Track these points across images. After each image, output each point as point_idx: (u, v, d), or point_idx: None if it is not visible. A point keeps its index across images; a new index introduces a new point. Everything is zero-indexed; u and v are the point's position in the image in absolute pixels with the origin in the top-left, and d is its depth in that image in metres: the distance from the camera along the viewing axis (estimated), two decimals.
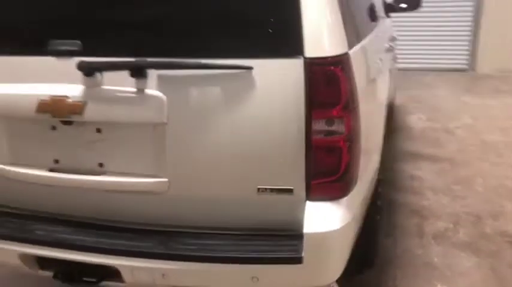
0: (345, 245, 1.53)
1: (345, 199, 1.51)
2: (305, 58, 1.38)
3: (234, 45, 1.41)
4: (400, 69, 8.17)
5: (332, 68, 1.39)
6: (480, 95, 6.57)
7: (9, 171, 1.69)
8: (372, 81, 1.87)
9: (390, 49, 2.98)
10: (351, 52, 1.49)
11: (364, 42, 1.80)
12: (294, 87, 1.39)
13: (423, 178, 3.79)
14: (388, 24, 3.76)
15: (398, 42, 8.17)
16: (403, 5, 4.40)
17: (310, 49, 1.37)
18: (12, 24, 1.63)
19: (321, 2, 1.41)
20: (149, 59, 1.41)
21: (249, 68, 1.39)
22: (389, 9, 4.27)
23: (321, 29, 1.40)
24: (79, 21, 1.54)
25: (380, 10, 3.33)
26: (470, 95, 6.62)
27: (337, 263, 1.52)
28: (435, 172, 3.90)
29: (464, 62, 8.49)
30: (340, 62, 1.41)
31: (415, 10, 4.43)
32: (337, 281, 1.73)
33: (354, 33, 1.65)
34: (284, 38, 1.38)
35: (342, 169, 1.47)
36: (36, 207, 1.71)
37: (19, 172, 1.67)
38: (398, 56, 8.33)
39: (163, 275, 1.51)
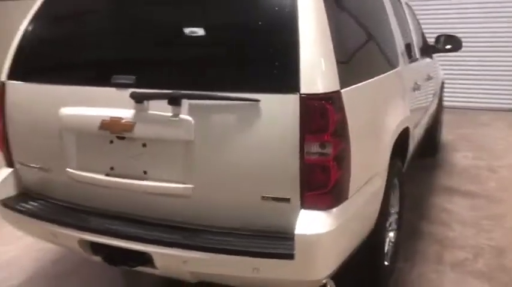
0: (333, 247, 1.85)
1: (334, 209, 1.83)
2: (300, 94, 1.75)
3: (245, 82, 1.82)
4: (457, 108, 8.25)
5: (322, 102, 1.75)
6: None
7: (76, 174, 2.17)
8: (376, 111, 2.20)
9: (416, 87, 3.26)
10: (343, 90, 1.84)
11: (368, 81, 2.15)
12: (292, 117, 1.76)
13: (455, 211, 3.93)
14: (424, 65, 4.02)
15: (456, 81, 8.30)
16: (448, 46, 4.67)
17: (304, 87, 1.75)
18: (87, 64, 2.16)
19: (317, 51, 1.78)
20: (182, 92, 1.85)
21: (257, 101, 1.78)
22: (431, 50, 4.56)
23: (315, 72, 1.77)
24: (133, 63, 2.03)
25: (413, 53, 3.65)
26: None
27: (326, 261, 1.83)
28: (468, 207, 4.02)
29: None
30: (330, 98, 1.76)
31: (458, 51, 4.68)
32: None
33: (352, 75, 2.00)
34: (285, 78, 1.77)
35: (331, 184, 1.80)
36: (93, 204, 2.18)
37: (83, 175, 2.15)
38: (457, 95, 8.42)
39: (184, 262, 1.90)
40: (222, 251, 1.84)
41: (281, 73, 1.78)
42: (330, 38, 1.84)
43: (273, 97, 1.78)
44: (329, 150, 1.77)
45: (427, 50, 4.58)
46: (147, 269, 2.06)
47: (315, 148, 1.76)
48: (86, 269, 3.02)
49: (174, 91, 1.87)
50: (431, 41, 4.68)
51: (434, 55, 4.93)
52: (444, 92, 6.06)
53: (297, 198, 1.81)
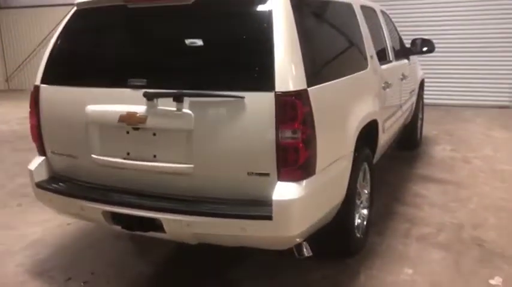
0: (303, 210, 2.35)
1: (303, 181, 2.35)
2: (276, 92, 2.27)
3: (233, 83, 2.35)
4: (443, 105, 8.73)
5: (292, 98, 2.27)
6: (510, 130, 7.00)
7: (99, 159, 2.69)
8: (340, 106, 2.72)
9: (387, 86, 3.78)
10: (310, 89, 2.36)
11: (333, 81, 2.67)
12: (269, 110, 2.28)
13: (427, 195, 4.44)
14: (399, 66, 4.53)
15: (441, 80, 8.78)
16: (424, 49, 5.21)
17: (279, 86, 2.27)
18: (107, 70, 2.70)
19: (288, 58, 2.30)
20: (184, 91, 2.37)
21: (242, 97, 2.30)
22: (408, 52, 5.08)
23: (286, 74, 2.29)
24: (145, 68, 2.57)
25: (387, 56, 4.17)
26: (502, 130, 7.07)
27: (297, 221, 2.35)
28: (439, 192, 4.53)
29: (507, 99, 8.88)
30: (299, 95, 2.28)
31: (432, 52, 5.21)
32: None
33: (318, 76, 2.52)
34: (263, 79, 2.29)
35: (301, 162, 2.32)
36: (112, 183, 2.69)
37: (105, 160, 2.67)
38: (442, 93, 8.88)
39: (187, 225, 2.42)
40: (217, 215, 2.36)
41: (260, 76, 2.31)
42: (299, 47, 2.36)
43: (254, 94, 2.31)
44: (298, 135, 2.28)
45: (404, 53, 5.10)
46: (157, 234, 2.57)
47: (287, 134, 2.28)
48: (101, 245, 3.54)
49: (178, 91, 2.39)
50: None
51: (414, 56, 5.46)
52: (425, 90, 6.57)
53: (275, 173, 2.33)
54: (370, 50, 3.56)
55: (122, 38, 2.76)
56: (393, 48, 4.53)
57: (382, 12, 4.70)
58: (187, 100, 2.40)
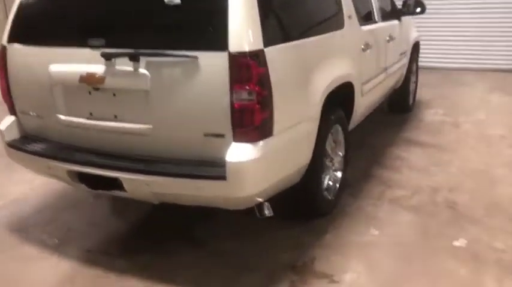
0: (258, 171, 2.38)
1: (259, 142, 2.36)
2: (229, 52, 2.26)
3: (187, 42, 2.34)
4: (444, 69, 8.57)
5: (246, 58, 2.25)
6: (509, 94, 6.88)
7: (63, 119, 2.73)
8: (303, 67, 2.70)
9: (367, 47, 3.72)
10: (267, 49, 2.34)
11: (295, 42, 2.64)
12: (223, 70, 2.27)
13: (407, 158, 4.44)
14: (386, 27, 4.45)
15: (441, 42, 8.58)
16: (418, 9, 5.11)
17: (232, 46, 2.25)
18: (69, 30, 2.71)
19: (243, 17, 2.27)
20: (139, 50, 2.37)
21: (196, 57, 2.30)
22: (399, 13, 4.98)
23: (241, 34, 2.26)
24: (104, 28, 2.56)
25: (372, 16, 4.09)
26: (499, 94, 6.94)
27: (252, 182, 2.38)
28: (421, 155, 4.52)
29: (510, 62, 8.65)
30: (253, 55, 2.27)
31: (423, 13, 5.10)
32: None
33: (277, 36, 2.49)
34: (217, 39, 2.27)
35: (256, 123, 2.33)
36: (77, 142, 2.74)
37: (69, 120, 2.71)
38: (444, 56, 8.69)
39: (147, 184, 2.47)
40: (174, 175, 2.40)
41: (214, 35, 2.29)
42: (255, 5, 2.33)
43: (208, 54, 2.30)
44: (253, 96, 2.28)
45: (394, 14, 4.99)
46: (120, 193, 2.63)
47: (241, 95, 2.28)
48: (81, 204, 3.62)
49: (133, 50, 2.38)
50: None
51: (407, 18, 5.34)
52: (424, 53, 6.45)
53: (230, 134, 2.35)
54: (348, 10, 3.48)
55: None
56: (380, 9, 4.43)
57: None
58: (143, 60, 2.40)
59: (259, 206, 2.62)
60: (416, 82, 6.27)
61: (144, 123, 2.49)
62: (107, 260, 2.88)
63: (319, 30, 2.98)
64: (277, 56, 2.44)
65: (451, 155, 4.52)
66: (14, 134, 2.98)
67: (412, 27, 5.70)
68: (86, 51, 2.53)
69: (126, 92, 2.50)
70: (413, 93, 6.13)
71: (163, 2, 2.33)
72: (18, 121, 3.00)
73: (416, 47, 5.86)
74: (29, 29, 2.85)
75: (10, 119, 3.00)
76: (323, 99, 2.88)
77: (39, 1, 2.86)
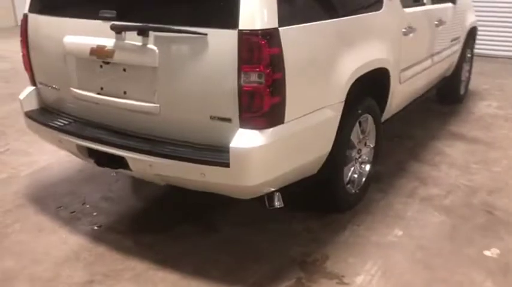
0: (265, 159, 2.21)
1: (268, 129, 2.18)
2: (239, 30, 2.07)
3: (197, 18, 2.19)
4: (501, 57, 7.94)
5: (257, 38, 2.06)
6: None
7: (76, 92, 2.66)
8: (326, 52, 2.47)
9: (410, 31, 3.41)
10: (282, 28, 2.14)
11: (320, 22, 2.41)
12: (232, 50, 2.09)
13: (449, 154, 4.11)
14: (435, 9, 4.08)
15: (503, 29, 7.93)
16: None
17: (242, 24, 2.07)
18: (83, 2, 2.63)
19: None
20: (147, 24, 2.24)
21: (205, 34, 2.13)
22: None
23: (253, 11, 2.07)
24: (115, 0, 2.43)
25: None
26: None
27: (258, 171, 2.21)
28: (465, 151, 4.17)
29: None
30: (265, 34, 2.08)
31: None
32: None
33: (299, 15, 2.28)
34: (227, 15, 2.09)
35: (265, 108, 2.14)
36: (89, 117, 2.67)
37: (81, 93, 2.63)
38: (501, 43, 8.04)
39: (150, 165, 2.36)
40: (177, 158, 2.28)
41: (225, 11, 2.12)
42: None
43: (217, 32, 2.13)
44: (262, 80, 2.10)
45: None
46: (126, 172, 2.55)
47: (250, 77, 2.10)
48: (101, 179, 3.60)
49: (142, 24, 2.25)
50: None
51: (464, 0, 4.92)
52: (482, 39, 5.94)
53: (237, 119, 2.18)
54: None
55: None
56: None
57: None
58: (152, 35, 2.27)
59: (269, 196, 2.47)
60: (470, 71, 5.81)
61: (152, 102, 2.37)
62: (115, 238, 2.83)
63: (349, 11, 2.73)
64: (296, 37, 2.24)
65: (498, 153, 4.15)
66: (33, 105, 2.96)
67: (468, 10, 5.24)
68: (97, 23, 2.43)
69: (136, 68, 2.39)
70: (465, 83, 5.69)
71: None
72: (38, 92, 2.97)
73: (472, 33, 5.40)
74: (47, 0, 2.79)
75: (29, 89, 2.98)
76: (348, 86, 2.65)
77: None
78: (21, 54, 2.97)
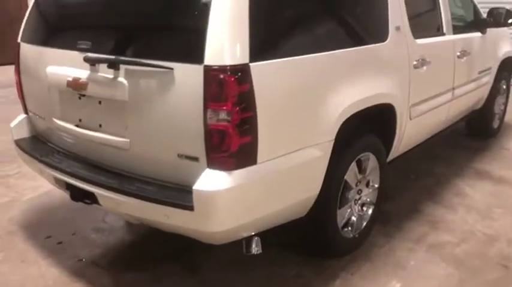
0: (233, 203, 2.04)
1: (237, 171, 2.02)
2: (205, 65, 1.94)
3: (166, 51, 2.09)
4: None
5: (223, 74, 1.92)
6: None
7: (58, 123, 2.60)
8: (310, 88, 2.29)
9: (423, 64, 3.18)
10: (254, 64, 1.99)
11: (306, 56, 2.24)
12: (198, 86, 1.96)
13: (470, 195, 3.78)
14: (457, 40, 3.81)
15: None
16: (510, 20, 4.39)
17: (209, 59, 1.93)
18: (64, 31, 2.61)
19: (226, 27, 1.94)
20: (116, 57, 2.15)
21: (171, 69, 2.02)
22: (482, 25, 4.30)
23: (221, 45, 1.93)
24: (92, 32, 2.42)
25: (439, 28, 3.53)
26: None
27: (225, 216, 2.04)
28: (488, 193, 3.84)
29: None
30: (233, 71, 1.93)
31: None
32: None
33: (278, 49, 2.13)
34: (193, 50, 1.97)
35: (233, 148, 1.99)
36: (69, 148, 2.61)
37: (61, 124, 2.58)
38: None
39: (118, 204, 2.25)
40: (141, 197, 2.15)
41: (191, 45, 2.00)
42: (245, 13, 1.98)
43: (184, 66, 2.00)
44: (229, 118, 1.95)
45: (475, 25, 4.32)
46: (101, 208, 2.45)
47: (217, 115, 1.96)
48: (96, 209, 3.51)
49: (112, 57, 2.17)
50: None
51: (497, 30, 4.60)
52: None
53: (204, 158, 2.04)
54: (397, 20, 2.98)
55: (75, 5, 2.63)
56: (453, 19, 3.83)
57: None
58: (123, 68, 2.18)
59: (248, 240, 2.29)
60: (506, 103, 5.42)
61: (123, 136, 2.27)
62: (94, 274, 2.73)
63: (342, 44, 2.53)
64: (272, 73, 2.08)
65: None
66: (24, 133, 2.94)
67: (503, 40, 4.90)
68: (75, 54, 2.37)
69: (109, 101, 2.30)
70: (500, 116, 5.31)
71: (145, 4, 2.09)
72: (29, 120, 2.94)
73: (507, 64, 5.04)
74: (36, 29, 2.79)
75: (21, 117, 2.96)
76: (339, 124, 2.45)
77: (45, 3, 2.80)
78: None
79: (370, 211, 3.02)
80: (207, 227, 2.05)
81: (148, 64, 2.06)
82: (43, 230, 3.21)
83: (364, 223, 2.98)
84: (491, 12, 4.40)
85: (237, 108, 1.95)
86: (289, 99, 2.20)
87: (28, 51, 2.77)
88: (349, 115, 2.50)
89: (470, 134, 5.18)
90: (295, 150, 2.26)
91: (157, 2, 2.26)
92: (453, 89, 3.83)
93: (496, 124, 5.23)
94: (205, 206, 2.00)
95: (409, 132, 3.26)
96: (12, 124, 2.94)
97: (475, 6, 4.44)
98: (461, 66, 3.88)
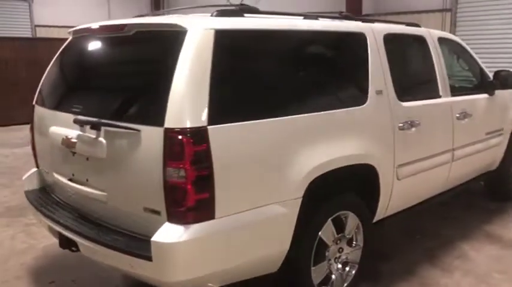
0: (190, 256, 2.19)
1: (194, 225, 2.18)
2: (165, 128, 2.17)
3: (136, 115, 2.38)
4: None
5: (180, 135, 2.14)
6: None
7: (56, 177, 2.90)
8: (273, 149, 2.46)
9: (412, 125, 3.28)
10: (212, 127, 2.20)
11: (268, 120, 2.43)
12: (159, 146, 2.18)
13: (473, 259, 3.70)
14: (454, 102, 3.86)
15: None
16: None
17: (169, 122, 2.16)
18: (62, 95, 2.96)
19: (185, 94, 2.18)
20: (96, 120, 2.43)
21: (138, 130, 2.26)
22: (489, 87, 4.35)
23: (180, 110, 2.16)
24: (83, 96, 2.78)
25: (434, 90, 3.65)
26: None
27: (181, 267, 2.19)
28: (493, 258, 3.73)
29: None
30: (189, 132, 2.15)
31: None
32: None
33: (236, 113, 2.32)
34: (156, 114, 2.20)
35: (190, 204, 2.16)
36: (65, 200, 2.88)
37: (58, 179, 2.87)
38: None
39: (93, 252, 2.45)
40: (111, 247, 2.35)
41: (155, 109, 2.25)
42: (205, 81, 2.22)
43: (148, 128, 2.25)
44: (186, 176, 2.14)
45: (480, 86, 4.37)
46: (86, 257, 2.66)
47: (174, 173, 2.16)
48: None
49: (93, 119, 2.46)
50: None
51: (507, 92, 4.61)
52: None
53: (164, 212, 2.22)
54: (377, 84, 3.12)
55: (72, 66, 3.04)
56: (452, 80, 3.92)
57: (445, 39, 4.09)
58: (103, 130, 2.45)
59: None
60: None
61: (103, 190, 2.51)
62: None
63: (311, 107, 2.66)
64: (231, 135, 2.28)
65: None
66: (33, 185, 3.25)
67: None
68: (69, 117, 2.68)
69: (93, 159, 2.57)
70: None
71: (123, 73, 2.39)
72: (39, 173, 3.27)
73: None
74: (45, 92, 3.16)
75: (32, 170, 3.29)
76: (307, 183, 2.57)
77: (52, 72, 3.19)
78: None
79: (353, 271, 3.04)
80: (164, 277, 2.21)
81: (121, 126, 2.33)
82: (48, 276, 3.44)
83: (346, 283, 3.00)
84: (497, 74, 4.43)
85: (194, 167, 2.15)
86: (248, 159, 2.37)
87: (39, 113, 3.14)
88: (317, 175, 2.61)
89: (489, 196, 5.07)
90: (256, 207, 2.40)
91: (131, 69, 2.60)
92: (453, 149, 3.84)
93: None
94: (162, 257, 2.17)
95: (399, 193, 3.29)
96: (24, 177, 3.27)
97: (481, 69, 4.49)
98: (462, 128, 3.90)
